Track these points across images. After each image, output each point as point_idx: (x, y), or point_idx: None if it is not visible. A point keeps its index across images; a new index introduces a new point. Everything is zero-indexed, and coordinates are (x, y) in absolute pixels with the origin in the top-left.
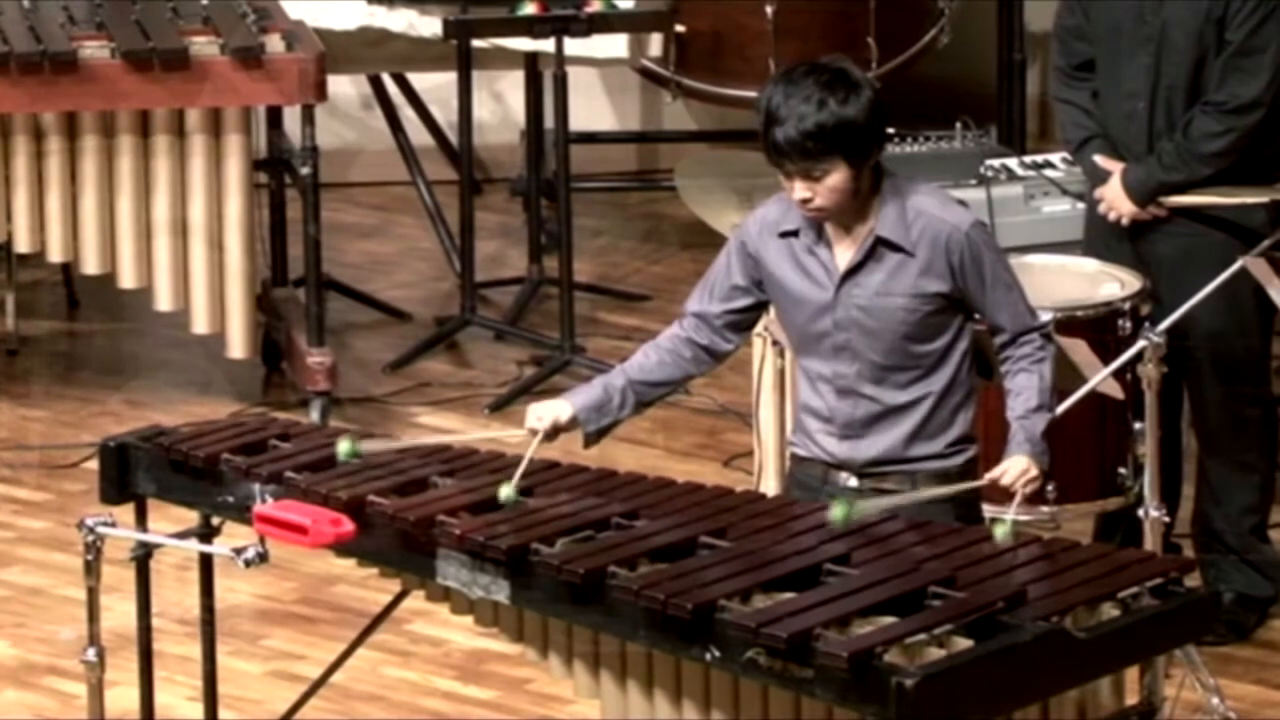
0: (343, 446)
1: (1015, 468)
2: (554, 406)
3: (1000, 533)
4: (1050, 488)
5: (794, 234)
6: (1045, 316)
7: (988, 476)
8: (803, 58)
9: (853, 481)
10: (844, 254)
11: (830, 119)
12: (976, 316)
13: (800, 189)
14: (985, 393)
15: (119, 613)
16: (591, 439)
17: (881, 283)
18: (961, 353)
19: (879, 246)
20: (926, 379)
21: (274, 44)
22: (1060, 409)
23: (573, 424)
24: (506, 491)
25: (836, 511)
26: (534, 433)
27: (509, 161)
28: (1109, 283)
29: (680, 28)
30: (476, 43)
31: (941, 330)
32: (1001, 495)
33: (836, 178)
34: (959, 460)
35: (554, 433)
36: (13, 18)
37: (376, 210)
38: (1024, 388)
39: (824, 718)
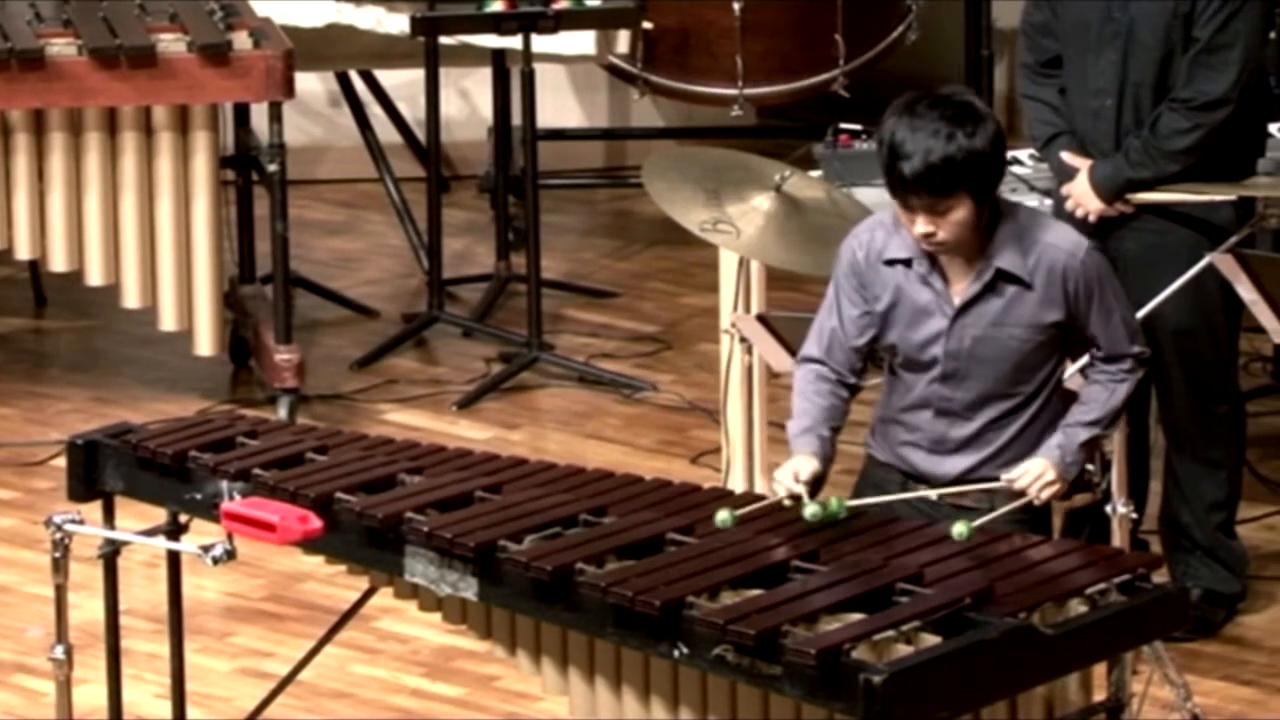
0: (721, 516)
1: (1033, 470)
2: (806, 463)
3: (957, 533)
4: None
5: (905, 262)
6: (1144, 340)
7: (1004, 477)
8: (770, 55)
9: (933, 495)
10: (960, 284)
11: (959, 153)
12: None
13: (923, 224)
14: None
15: (87, 610)
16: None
17: (998, 314)
18: (1058, 378)
19: (998, 280)
20: (1025, 405)
21: (241, 41)
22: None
23: (823, 472)
24: (725, 518)
25: (959, 529)
26: (795, 496)
27: (476, 158)
28: None
29: (648, 24)
30: (444, 39)
31: (1049, 357)
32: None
33: (961, 213)
34: (988, 486)
35: (812, 486)
36: None
37: (344, 207)
38: (1091, 399)
39: (792, 715)
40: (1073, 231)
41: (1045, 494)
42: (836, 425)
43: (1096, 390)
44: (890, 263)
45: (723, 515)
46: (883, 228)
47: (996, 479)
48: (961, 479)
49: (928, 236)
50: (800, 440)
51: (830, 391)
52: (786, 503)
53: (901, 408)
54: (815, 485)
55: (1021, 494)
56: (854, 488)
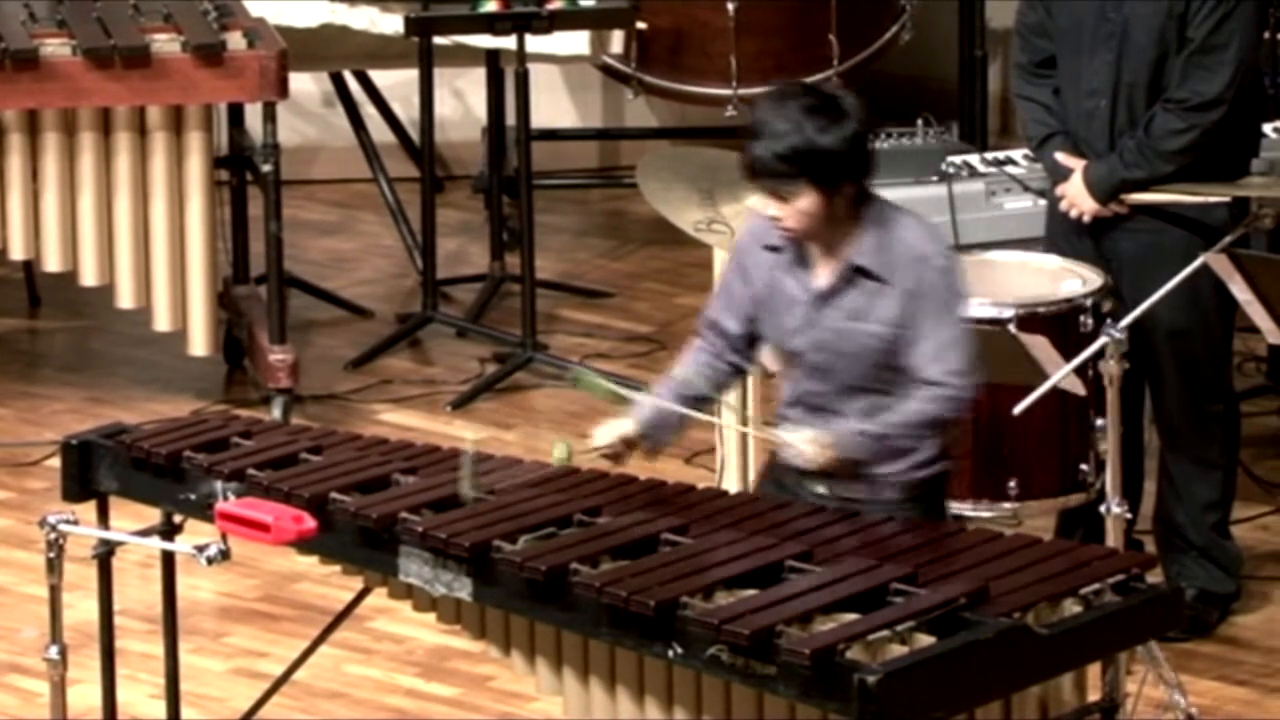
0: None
1: (811, 437)
2: (619, 428)
3: (557, 456)
4: (1012, 484)
5: (777, 250)
6: (965, 385)
7: (782, 433)
8: (764, 55)
9: (820, 488)
10: (823, 276)
11: (803, 144)
12: None
13: (772, 207)
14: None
15: (81, 610)
16: (652, 453)
17: (857, 309)
18: None
19: (856, 274)
20: (894, 402)
21: (235, 41)
22: (1022, 406)
23: (638, 442)
24: (561, 451)
25: (559, 452)
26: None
27: (471, 159)
28: (1070, 279)
29: (642, 25)
30: (438, 40)
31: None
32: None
33: (805, 202)
34: (925, 473)
35: (620, 454)
36: None
37: (338, 207)
38: (894, 411)
39: (786, 715)
40: (937, 234)
41: (805, 456)
42: (696, 396)
43: (899, 404)
44: (767, 249)
45: (560, 452)
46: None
47: (879, 478)
48: (841, 476)
49: (776, 220)
50: (643, 403)
51: (705, 363)
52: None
53: (784, 403)
54: (632, 449)
55: (920, 481)
56: (757, 481)
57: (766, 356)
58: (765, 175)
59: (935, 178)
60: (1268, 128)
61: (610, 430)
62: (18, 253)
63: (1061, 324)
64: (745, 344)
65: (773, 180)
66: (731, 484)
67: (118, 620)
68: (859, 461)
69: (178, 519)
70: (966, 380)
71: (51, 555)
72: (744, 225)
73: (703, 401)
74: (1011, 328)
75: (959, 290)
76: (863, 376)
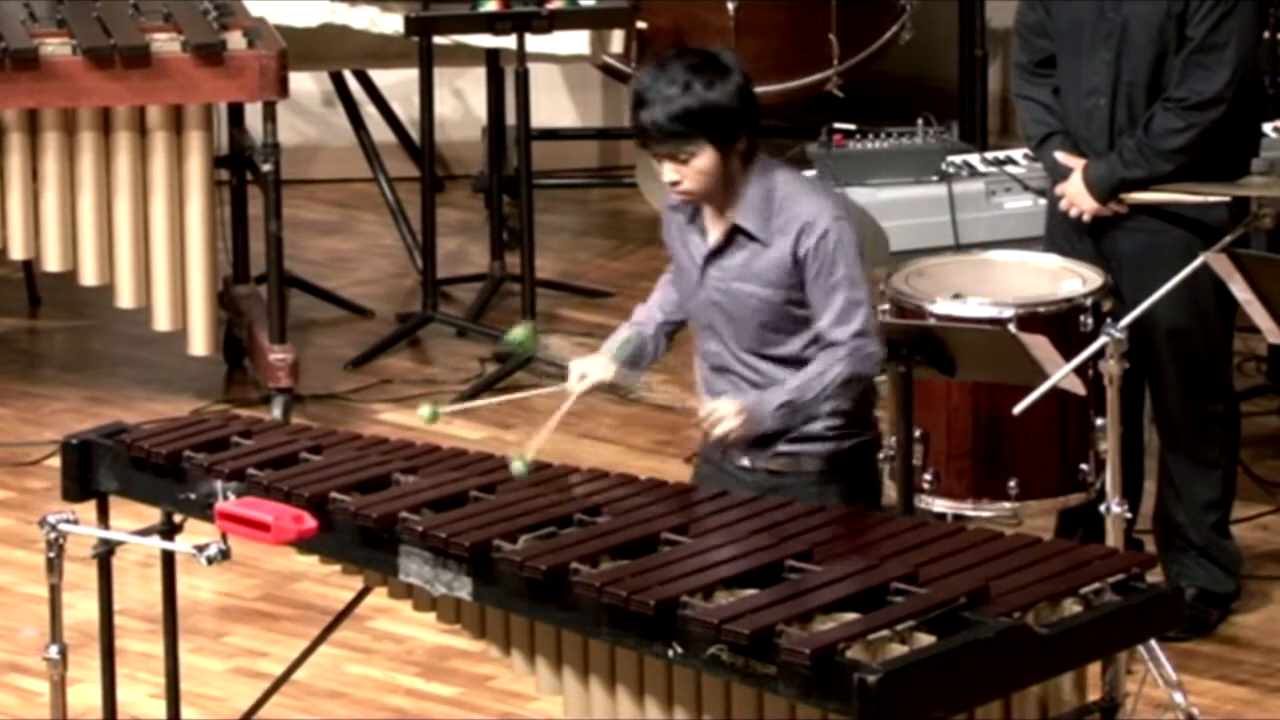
0: (424, 411)
1: (721, 407)
2: (598, 364)
3: (516, 470)
4: (1012, 484)
5: (679, 210)
6: (871, 340)
7: (690, 404)
8: (764, 55)
9: (745, 461)
10: (712, 236)
11: (695, 102)
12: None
13: (669, 171)
14: (946, 388)
15: (81, 610)
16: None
17: (739, 269)
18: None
19: (737, 234)
20: (791, 370)
21: (235, 41)
22: (1022, 405)
23: (616, 375)
24: (518, 466)
25: (517, 466)
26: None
27: (471, 158)
28: (1070, 279)
29: (642, 24)
30: (438, 39)
31: (799, 329)
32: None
33: (703, 161)
34: (847, 444)
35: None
36: None
37: (338, 207)
38: (803, 372)
39: (786, 714)
40: (828, 202)
41: (719, 429)
42: (669, 323)
43: (810, 366)
44: (672, 209)
45: (517, 466)
46: None
47: (806, 442)
48: (760, 443)
49: (674, 185)
50: (618, 333)
51: (667, 300)
52: (569, 392)
53: (699, 371)
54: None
55: (846, 454)
56: (694, 468)
57: None
58: (663, 139)
59: (935, 177)
60: (1268, 127)
61: (587, 371)
62: (18, 252)
63: (1061, 324)
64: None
65: (671, 143)
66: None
67: (118, 620)
68: (775, 431)
69: (178, 519)
70: (871, 340)
71: (51, 555)
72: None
73: (681, 325)
74: (1011, 328)
75: (847, 252)
76: (752, 338)
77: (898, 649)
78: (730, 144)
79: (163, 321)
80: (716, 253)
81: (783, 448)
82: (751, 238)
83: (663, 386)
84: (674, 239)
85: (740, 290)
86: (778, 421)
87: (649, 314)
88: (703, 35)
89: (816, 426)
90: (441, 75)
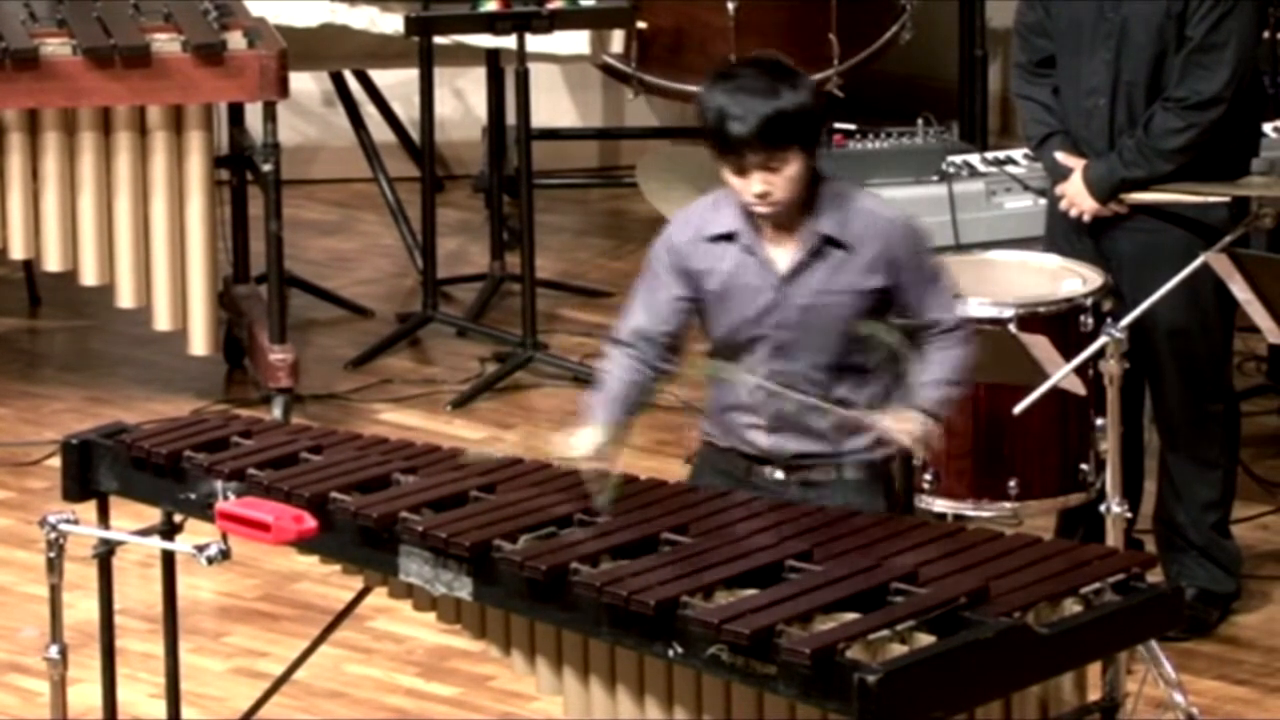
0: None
1: (903, 415)
2: (593, 435)
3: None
4: (1012, 484)
5: (727, 238)
6: (960, 313)
7: (868, 417)
8: None
9: (779, 474)
10: (785, 254)
11: (789, 105)
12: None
13: (759, 182)
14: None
15: (81, 610)
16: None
17: (823, 280)
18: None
19: (823, 244)
20: (864, 378)
21: (235, 41)
22: (1022, 405)
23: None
24: (603, 499)
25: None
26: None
27: (471, 158)
28: (1070, 279)
29: (642, 24)
30: (438, 39)
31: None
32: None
33: (794, 167)
34: (881, 453)
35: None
36: None
37: (338, 207)
38: (937, 361)
39: (787, 714)
40: (892, 206)
41: (906, 437)
42: (633, 405)
43: (941, 354)
44: (714, 239)
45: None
46: (703, 208)
47: (849, 454)
48: (806, 456)
49: (763, 196)
50: (595, 417)
51: (636, 370)
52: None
53: (737, 393)
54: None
55: (883, 460)
56: (692, 474)
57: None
58: (758, 148)
59: (935, 177)
60: (1268, 127)
61: (592, 448)
62: (18, 252)
63: (1061, 324)
64: (672, 351)
65: (764, 152)
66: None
67: (118, 620)
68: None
69: (178, 519)
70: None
71: (52, 555)
72: (670, 230)
73: (640, 409)
74: (1011, 327)
75: (929, 242)
76: (830, 352)
77: (898, 649)
78: (815, 147)
79: (163, 321)
80: (798, 269)
81: (825, 460)
82: (838, 245)
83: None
84: (712, 271)
85: (826, 301)
86: (944, 414)
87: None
88: (703, 35)
89: (863, 440)
90: (441, 75)
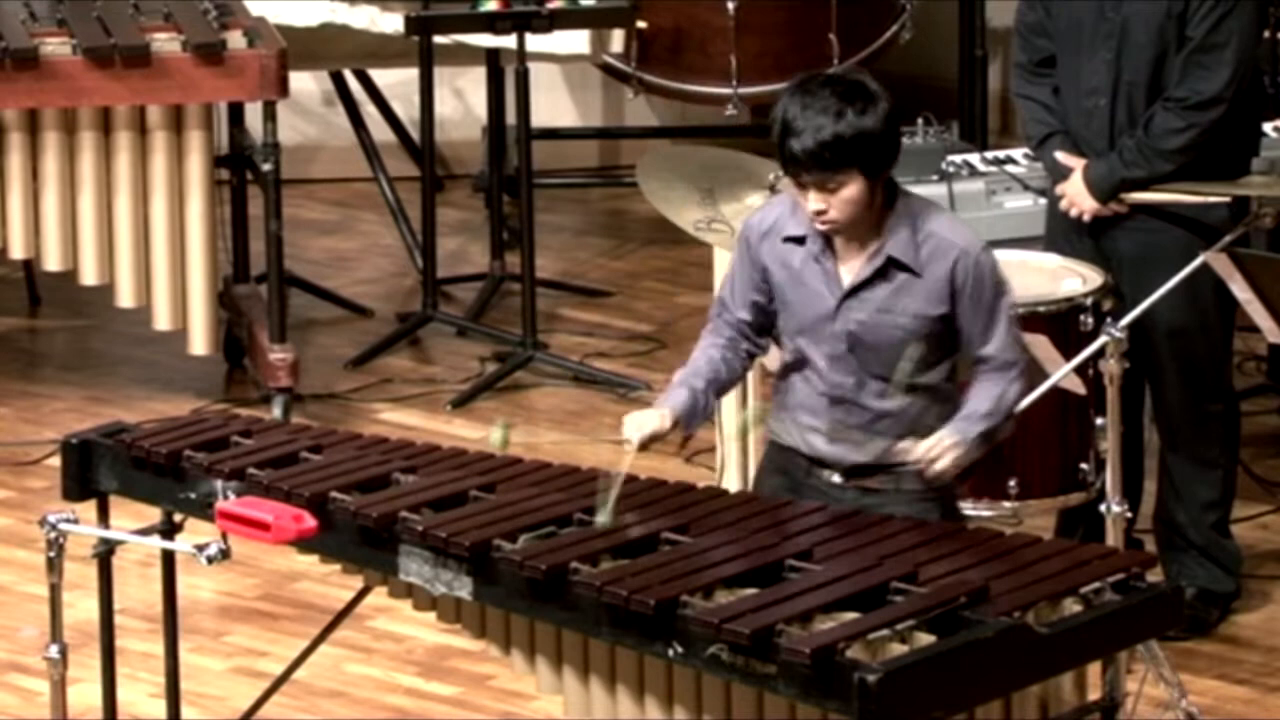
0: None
1: (943, 439)
2: (654, 416)
3: (495, 438)
4: (1012, 483)
5: (798, 240)
6: (1022, 362)
7: (904, 446)
8: (764, 54)
9: (837, 479)
10: (850, 267)
11: (848, 130)
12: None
13: (815, 200)
14: None
15: (81, 609)
16: (685, 440)
17: (884, 301)
18: (950, 365)
19: (889, 266)
20: (918, 399)
21: (235, 40)
22: (1022, 405)
23: (672, 429)
24: (603, 518)
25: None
26: (634, 449)
27: (471, 158)
28: (1070, 278)
29: (642, 24)
30: (438, 39)
31: (937, 351)
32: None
33: (852, 190)
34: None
35: (650, 442)
36: None
37: (338, 206)
38: (983, 394)
39: (787, 714)
40: (967, 228)
41: (939, 465)
42: (717, 380)
43: (989, 386)
44: (787, 240)
45: (496, 434)
46: (785, 204)
47: (901, 466)
48: (862, 467)
49: (819, 214)
50: (670, 390)
51: (724, 346)
52: (627, 449)
53: (802, 394)
54: (663, 437)
55: (921, 471)
56: (757, 473)
57: (769, 358)
58: (812, 168)
59: (935, 177)
60: (1268, 127)
61: (643, 423)
62: (18, 252)
63: (1061, 323)
64: (755, 331)
65: (820, 172)
66: (731, 484)
67: (118, 619)
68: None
69: (178, 518)
70: (1026, 355)
71: (51, 554)
72: (756, 215)
73: (728, 387)
74: None
75: (1000, 275)
76: (886, 369)
77: (898, 648)
78: (879, 173)
79: (163, 321)
80: (859, 286)
81: (884, 470)
82: (904, 268)
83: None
84: (781, 270)
85: (884, 321)
86: (978, 451)
87: (695, 368)
88: (703, 35)
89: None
90: (441, 75)
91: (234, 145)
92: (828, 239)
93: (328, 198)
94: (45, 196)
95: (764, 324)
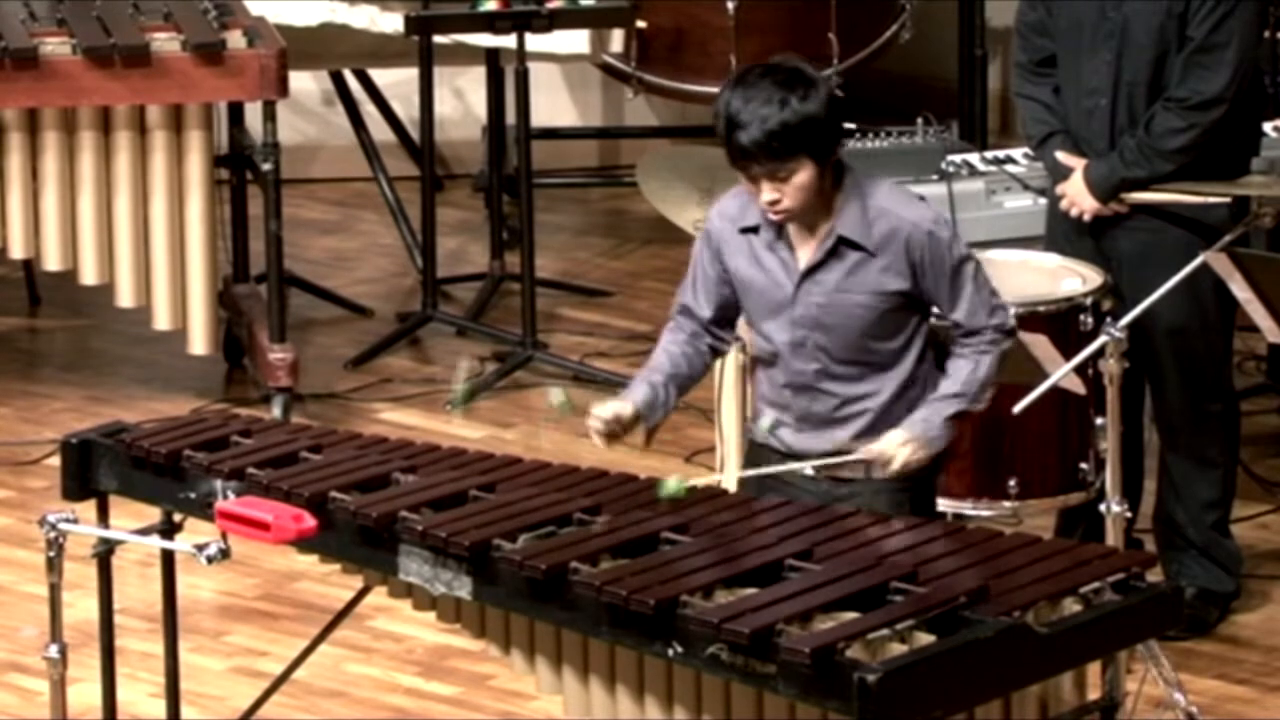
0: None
1: (892, 439)
2: (616, 407)
3: (666, 490)
4: (1012, 483)
5: (754, 230)
6: (1007, 312)
7: (863, 449)
8: (764, 53)
9: (808, 470)
10: (804, 252)
11: (794, 117)
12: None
13: (767, 191)
14: None
15: (81, 609)
16: (649, 435)
17: (840, 280)
18: (919, 349)
19: (840, 245)
20: (883, 374)
21: (235, 40)
22: (1022, 405)
23: (635, 421)
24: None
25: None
26: (599, 434)
27: (471, 157)
28: (1070, 278)
29: (642, 23)
30: (438, 38)
31: (900, 328)
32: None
33: (803, 176)
34: (841, 459)
35: (619, 433)
36: None
37: (338, 206)
38: (954, 372)
39: (786, 714)
40: (923, 205)
41: (899, 461)
42: (678, 375)
43: (960, 364)
44: (744, 230)
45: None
46: (738, 196)
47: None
48: (833, 454)
49: (772, 204)
50: (632, 385)
51: (684, 342)
52: (597, 441)
53: (766, 387)
54: (628, 428)
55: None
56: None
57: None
58: (762, 159)
59: (935, 177)
60: (1268, 127)
61: (608, 409)
62: (18, 251)
63: (1061, 323)
64: (720, 326)
65: (770, 163)
66: (731, 482)
67: (118, 619)
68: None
69: (177, 518)
70: (1004, 311)
71: (51, 554)
72: (713, 209)
73: (689, 383)
74: None
75: (958, 242)
76: (849, 349)
77: (897, 648)
78: (827, 157)
79: (162, 321)
80: (814, 268)
81: (856, 456)
82: (857, 247)
83: None
84: (740, 261)
85: (843, 301)
86: (950, 433)
87: (656, 364)
88: (703, 35)
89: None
90: (441, 74)
91: (234, 145)
92: (780, 227)
93: (328, 197)
94: (45, 196)
95: (728, 318)
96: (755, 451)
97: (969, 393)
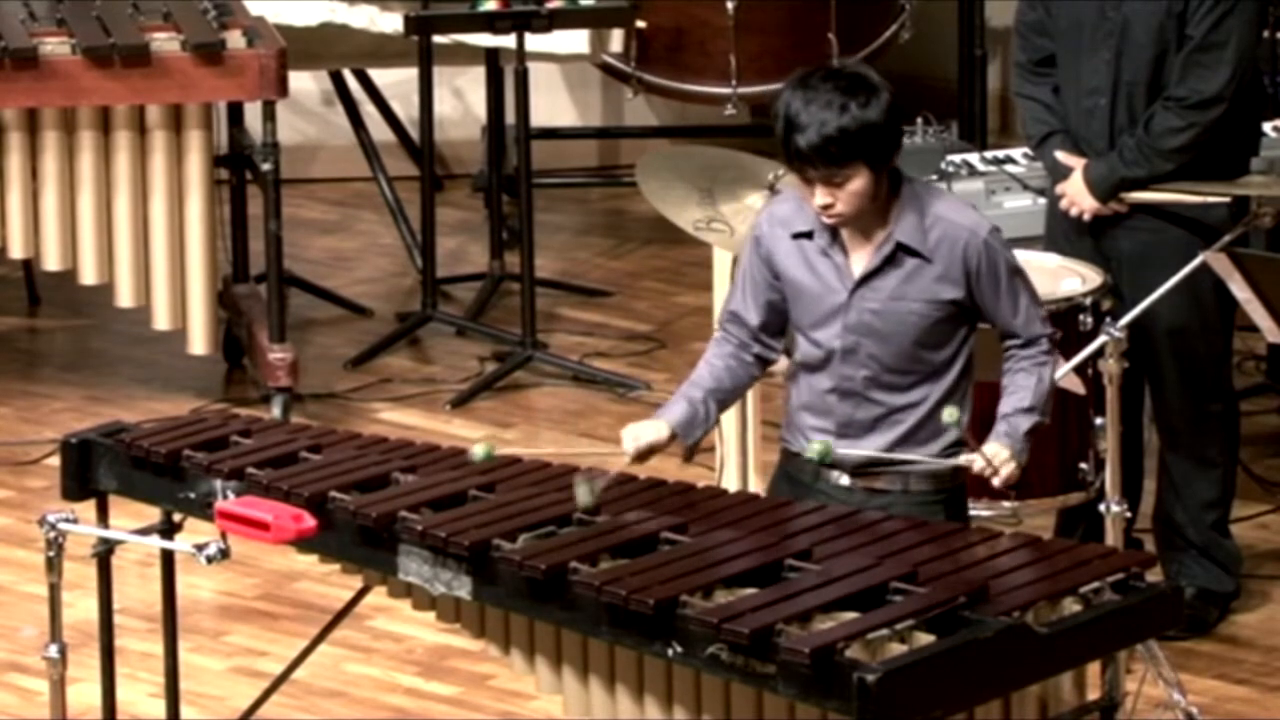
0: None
1: (998, 454)
2: (651, 428)
3: (947, 416)
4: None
5: (807, 235)
6: (1045, 322)
7: (964, 458)
8: (764, 54)
9: (845, 480)
10: (859, 258)
11: (853, 124)
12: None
13: (822, 195)
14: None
15: (81, 609)
16: (689, 453)
17: (896, 288)
18: (965, 360)
19: (897, 252)
20: (929, 383)
21: (235, 40)
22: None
23: (669, 441)
24: (584, 499)
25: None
26: (630, 457)
27: (470, 157)
28: (1070, 278)
29: (641, 23)
30: (437, 38)
31: (950, 338)
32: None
33: (858, 183)
34: (951, 463)
35: (648, 454)
36: None
37: (338, 206)
38: (1021, 386)
39: (786, 714)
40: (974, 211)
41: (1005, 474)
42: (720, 390)
43: (1022, 378)
44: (796, 236)
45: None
46: (792, 201)
47: (909, 465)
48: (873, 462)
49: (826, 208)
50: (669, 403)
51: (729, 355)
52: (629, 461)
53: (808, 393)
54: (661, 449)
55: (952, 473)
56: (770, 482)
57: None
58: (819, 163)
59: (935, 176)
60: (1268, 126)
61: (640, 434)
62: (17, 251)
63: (1061, 323)
64: (768, 333)
65: (827, 168)
66: (731, 483)
67: (117, 619)
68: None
69: (177, 518)
70: (1050, 322)
71: (51, 554)
72: (763, 214)
73: (731, 396)
74: None
75: (1011, 253)
76: (899, 358)
77: (897, 648)
78: (884, 165)
79: (162, 321)
80: (870, 274)
81: (892, 468)
82: (914, 254)
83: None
84: (792, 265)
85: (897, 309)
86: (1030, 445)
87: (696, 379)
88: (703, 35)
89: (933, 448)
90: (441, 74)
91: (234, 145)
92: (835, 231)
93: (327, 197)
94: (45, 196)
95: (777, 325)
96: (790, 462)
97: (1039, 405)
